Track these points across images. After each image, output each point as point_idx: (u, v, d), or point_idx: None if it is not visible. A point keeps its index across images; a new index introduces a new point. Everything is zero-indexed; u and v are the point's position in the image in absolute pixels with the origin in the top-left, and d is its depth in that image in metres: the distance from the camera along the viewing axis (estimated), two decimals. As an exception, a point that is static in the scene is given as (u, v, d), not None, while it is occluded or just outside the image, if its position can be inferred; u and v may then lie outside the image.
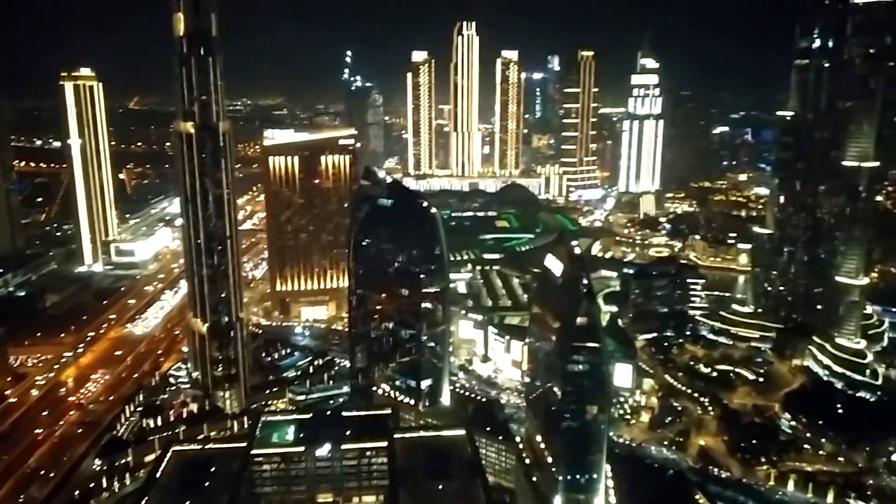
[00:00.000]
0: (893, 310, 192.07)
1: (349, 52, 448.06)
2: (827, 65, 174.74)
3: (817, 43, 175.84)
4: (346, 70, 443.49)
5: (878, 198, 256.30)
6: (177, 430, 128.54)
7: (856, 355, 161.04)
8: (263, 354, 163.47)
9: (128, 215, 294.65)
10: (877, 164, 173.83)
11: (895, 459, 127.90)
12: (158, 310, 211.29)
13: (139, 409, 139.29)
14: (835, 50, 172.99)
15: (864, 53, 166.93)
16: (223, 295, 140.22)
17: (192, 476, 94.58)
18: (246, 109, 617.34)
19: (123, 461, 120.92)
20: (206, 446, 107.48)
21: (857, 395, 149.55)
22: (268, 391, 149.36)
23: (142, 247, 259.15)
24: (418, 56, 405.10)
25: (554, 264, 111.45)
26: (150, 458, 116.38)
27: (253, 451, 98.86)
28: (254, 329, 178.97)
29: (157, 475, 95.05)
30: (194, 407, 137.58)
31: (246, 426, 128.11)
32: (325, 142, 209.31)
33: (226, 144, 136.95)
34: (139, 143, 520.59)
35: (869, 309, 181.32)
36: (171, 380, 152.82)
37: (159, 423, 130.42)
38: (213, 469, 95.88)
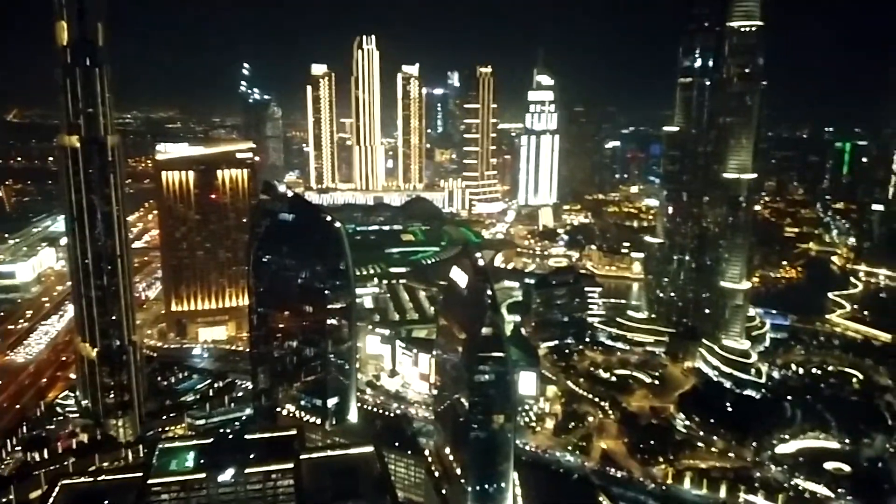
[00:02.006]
0: (774, 312, 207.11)
1: (246, 64, 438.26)
2: (707, 83, 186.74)
3: (698, 63, 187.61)
4: (244, 82, 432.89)
5: (757, 207, 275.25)
6: (65, 463, 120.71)
7: (741, 356, 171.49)
8: (159, 378, 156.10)
9: (7, 235, 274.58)
10: (754, 175, 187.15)
11: (779, 452, 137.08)
12: (43, 335, 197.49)
13: (22, 442, 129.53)
14: (714, 69, 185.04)
15: (740, 73, 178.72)
16: (114, 317, 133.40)
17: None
18: (136, 122, 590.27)
19: (4, 500, 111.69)
20: (99, 478, 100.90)
21: (744, 393, 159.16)
22: (164, 417, 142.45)
23: (23, 268, 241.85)
24: (318, 69, 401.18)
25: (459, 276, 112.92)
26: (35, 494, 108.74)
27: (150, 481, 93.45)
28: (148, 352, 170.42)
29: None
30: (84, 437, 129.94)
31: (142, 455, 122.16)
32: (222, 155, 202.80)
33: (115, 159, 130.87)
34: (19, 158, 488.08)
35: (752, 311, 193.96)
36: (58, 409, 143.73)
37: (45, 456, 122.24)
38: (106, 502, 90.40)
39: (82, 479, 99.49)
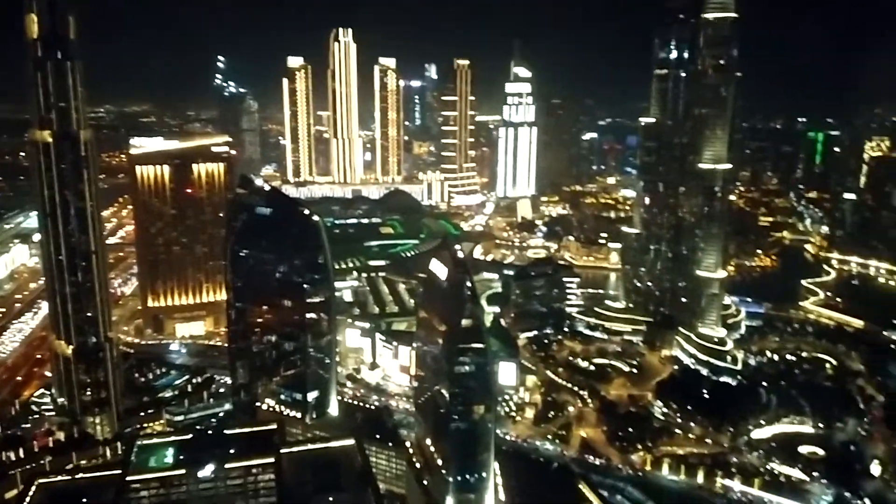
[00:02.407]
0: (749, 300, 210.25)
1: (221, 57, 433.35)
2: (683, 75, 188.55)
3: (674, 54, 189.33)
4: (219, 75, 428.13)
5: (732, 197, 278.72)
6: (42, 462, 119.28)
7: (717, 343, 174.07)
8: (136, 375, 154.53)
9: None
10: (729, 166, 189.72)
11: (754, 437, 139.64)
12: (16, 333, 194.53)
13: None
14: (689, 61, 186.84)
15: (715, 65, 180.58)
16: (89, 314, 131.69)
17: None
18: (110, 117, 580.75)
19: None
20: (76, 476, 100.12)
21: (720, 380, 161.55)
22: (142, 413, 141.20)
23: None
24: (294, 62, 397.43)
25: (439, 269, 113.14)
26: (11, 494, 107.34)
27: (129, 478, 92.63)
28: (125, 349, 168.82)
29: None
30: (61, 435, 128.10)
31: (120, 452, 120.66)
32: (198, 149, 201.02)
33: (88, 154, 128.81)
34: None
35: (727, 300, 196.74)
36: (34, 407, 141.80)
37: (21, 455, 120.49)
38: (84, 500, 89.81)
39: (59, 478, 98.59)
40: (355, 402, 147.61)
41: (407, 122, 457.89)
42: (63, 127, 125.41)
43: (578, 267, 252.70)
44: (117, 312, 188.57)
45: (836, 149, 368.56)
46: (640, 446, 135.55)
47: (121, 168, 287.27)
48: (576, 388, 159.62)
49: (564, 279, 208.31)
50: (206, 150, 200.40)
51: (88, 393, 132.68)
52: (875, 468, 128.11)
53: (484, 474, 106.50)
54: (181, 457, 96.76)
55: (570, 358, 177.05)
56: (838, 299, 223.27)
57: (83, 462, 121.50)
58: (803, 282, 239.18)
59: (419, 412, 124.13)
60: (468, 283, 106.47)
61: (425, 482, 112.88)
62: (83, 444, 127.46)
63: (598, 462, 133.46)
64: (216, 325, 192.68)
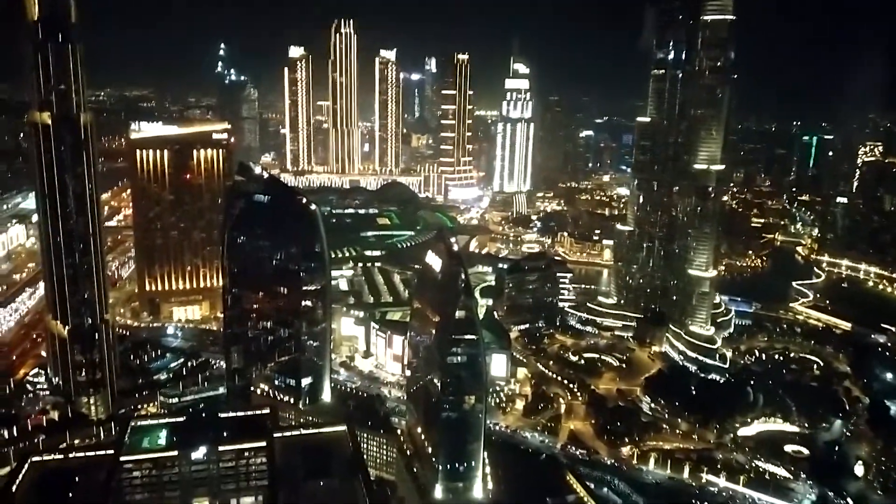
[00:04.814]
0: (739, 299, 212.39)
1: (223, 45, 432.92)
2: (680, 75, 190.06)
3: (671, 55, 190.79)
4: (220, 62, 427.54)
5: (725, 198, 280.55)
6: (35, 440, 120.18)
7: (707, 341, 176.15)
8: (132, 357, 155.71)
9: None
10: (723, 167, 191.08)
11: (740, 435, 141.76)
12: (13, 312, 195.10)
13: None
14: (687, 62, 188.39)
15: (712, 66, 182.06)
16: (86, 296, 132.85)
17: (53, 488, 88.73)
18: (110, 100, 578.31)
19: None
20: (69, 455, 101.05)
21: (708, 377, 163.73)
22: (137, 395, 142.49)
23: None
24: (295, 52, 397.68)
25: (434, 260, 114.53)
26: (4, 471, 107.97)
27: (122, 459, 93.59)
28: (121, 331, 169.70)
29: (13, 489, 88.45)
30: (55, 415, 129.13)
31: (113, 433, 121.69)
32: (197, 136, 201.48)
33: (87, 137, 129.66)
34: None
35: (717, 299, 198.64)
36: (29, 387, 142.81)
37: (15, 433, 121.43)
38: (77, 480, 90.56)
39: (52, 457, 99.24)
40: (348, 390, 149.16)
41: (406, 115, 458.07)
42: (63, 110, 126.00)
43: (571, 262, 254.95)
44: (114, 295, 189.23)
45: (830, 153, 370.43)
46: (627, 440, 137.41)
47: (120, 152, 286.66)
48: (566, 382, 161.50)
49: (557, 274, 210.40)
50: (205, 137, 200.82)
51: (83, 374, 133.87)
52: (859, 469, 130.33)
53: (473, 463, 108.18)
54: (174, 438, 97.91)
55: (561, 351, 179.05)
56: (827, 301, 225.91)
57: (76, 442, 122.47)
58: (793, 283, 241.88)
59: (411, 400, 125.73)
60: (462, 276, 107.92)
61: (415, 469, 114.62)
62: (77, 423, 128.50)
63: (586, 454, 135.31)
64: (212, 310, 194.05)
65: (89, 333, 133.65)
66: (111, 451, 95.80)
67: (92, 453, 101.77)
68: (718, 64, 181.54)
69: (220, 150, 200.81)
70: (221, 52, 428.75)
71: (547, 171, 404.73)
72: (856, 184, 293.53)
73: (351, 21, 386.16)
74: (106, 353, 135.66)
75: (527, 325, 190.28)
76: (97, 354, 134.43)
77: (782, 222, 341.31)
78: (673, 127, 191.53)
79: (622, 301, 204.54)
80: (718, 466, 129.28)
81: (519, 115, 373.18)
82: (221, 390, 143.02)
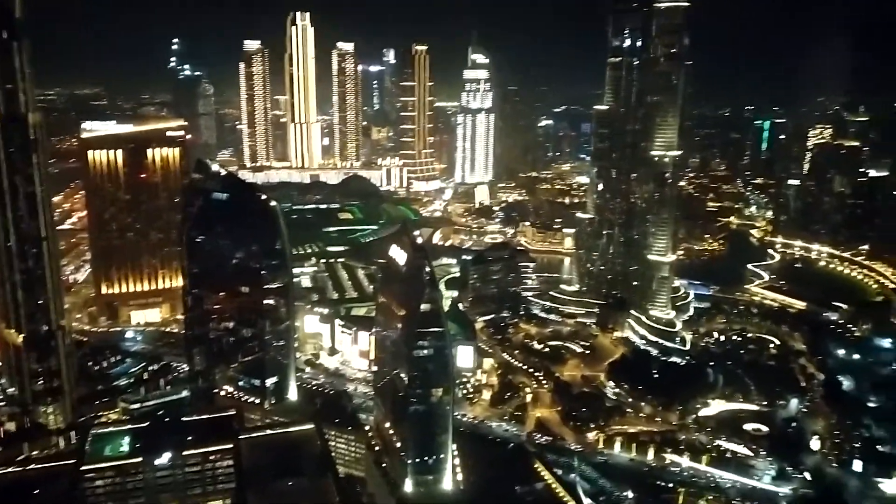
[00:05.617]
0: (697, 283, 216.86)
1: (176, 40, 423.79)
2: (636, 63, 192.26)
3: (627, 42, 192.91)
4: (174, 58, 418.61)
5: (682, 183, 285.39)
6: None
7: (667, 325, 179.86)
8: (91, 363, 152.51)
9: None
10: (680, 153, 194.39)
11: (702, 415, 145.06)
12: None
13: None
14: (642, 49, 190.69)
15: (666, 53, 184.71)
16: (40, 301, 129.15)
17: (12, 502, 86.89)
18: (60, 99, 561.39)
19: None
20: (28, 467, 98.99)
21: (670, 360, 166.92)
22: (97, 402, 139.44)
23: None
24: (251, 45, 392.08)
25: (398, 254, 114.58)
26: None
27: (83, 468, 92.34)
28: (78, 337, 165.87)
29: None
30: (11, 425, 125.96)
31: (74, 442, 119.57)
32: (152, 133, 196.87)
33: (37, 137, 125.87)
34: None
35: (677, 283, 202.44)
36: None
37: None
38: (37, 492, 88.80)
39: (10, 470, 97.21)
40: (314, 388, 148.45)
41: (365, 108, 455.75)
42: (10, 109, 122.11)
43: (534, 252, 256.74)
44: (70, 300, 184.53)
45: (782, 136, 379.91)
46: (592, 425, 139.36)
47: (72, 152, 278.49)
48: (531, 370, 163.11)
49: (520, 264, 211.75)
50: (160, 135, 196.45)
51: (40, 382, 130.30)
52: (815, 443, 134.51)
53: (442, 455, 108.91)
54: (137, 445, 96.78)
55: (526, 340, 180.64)
56: (782, 282, 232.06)
57: (35, 453, 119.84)
58: (749, 265, 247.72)
59: (378, 396, 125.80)
60: (427, 268, 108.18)
61: (384, 465, 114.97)
62: (35, 434, 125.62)
63: (552, 441, 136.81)
64: (172, 312, 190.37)
65: (45, 340, 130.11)
66: (72, 461, 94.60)
67: (52, 464, 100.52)
68: (673, 51, 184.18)
69: (176, 148, 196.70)
70: (175, 48, 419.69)
71: (508, 162, 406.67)
72: (807, 166, 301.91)
73: (307, 14, 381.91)
74: (63, 360, 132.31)
75: (492, 316, 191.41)
76: (54, 362, 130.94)
77: (737, 206, 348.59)
78: (630, 114, 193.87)
79: (584, 288, 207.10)
80: (682, 447, 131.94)
81: (479, 106, 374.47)
82: (185, 393, 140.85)
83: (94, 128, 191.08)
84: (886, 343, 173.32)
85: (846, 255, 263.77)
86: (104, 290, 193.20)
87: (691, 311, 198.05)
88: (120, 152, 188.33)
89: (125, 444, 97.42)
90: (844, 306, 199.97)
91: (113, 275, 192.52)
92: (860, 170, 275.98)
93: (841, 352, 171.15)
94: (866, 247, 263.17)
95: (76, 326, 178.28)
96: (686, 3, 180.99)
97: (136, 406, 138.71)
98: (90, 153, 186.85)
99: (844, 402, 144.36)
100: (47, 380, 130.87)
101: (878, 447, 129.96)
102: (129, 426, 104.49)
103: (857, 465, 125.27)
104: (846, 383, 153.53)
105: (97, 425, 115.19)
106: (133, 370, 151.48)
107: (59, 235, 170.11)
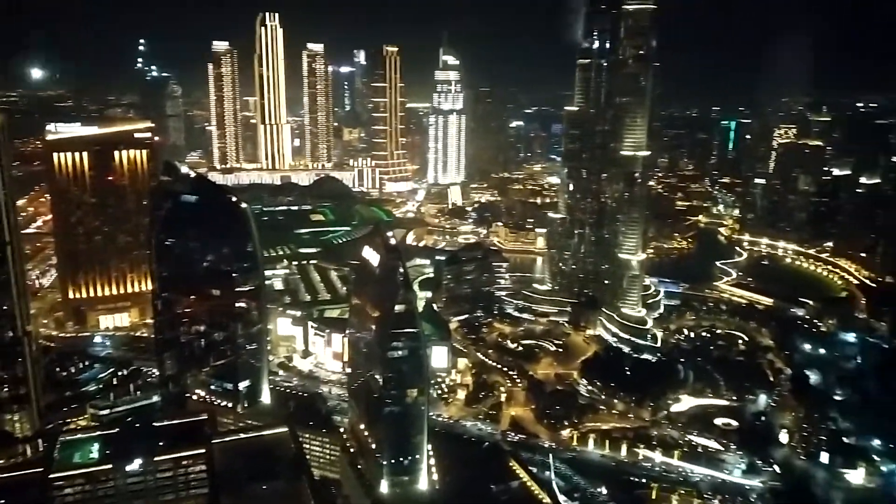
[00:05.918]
0: (667, 280, 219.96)
1: (143, 40, 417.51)
2: (605, 64, 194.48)
3: (596, 44, 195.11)
4: (140, 59, 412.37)
5: (651, 183, 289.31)
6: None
7: (638, 322, 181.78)
8: (58, 369, 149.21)
9: None
10: (649, 153, 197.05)
11: (674, 411, 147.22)
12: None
13: None
14: (611, 51, 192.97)
15: (635, 54, 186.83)
16: (5, 307, 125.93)
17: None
18: (23, 101, 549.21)
19: None
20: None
21: (641, 357, 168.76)
22: (65, 409, 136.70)
23: None
24: (219, 46, 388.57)
25: (371, 255, 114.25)
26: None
27: (52, 476, 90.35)
28: (45, 342, 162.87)
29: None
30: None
31: (41, 449, 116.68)
32: (119, 135, 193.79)
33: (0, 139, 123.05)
34: None
35: (647, 281, 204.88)
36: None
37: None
38: (3, 501, 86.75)
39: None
40: (288, 391, 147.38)
41: (336, 109, 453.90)
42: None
43: (507, 251, 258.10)
44: (36, 305, 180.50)
45: (748, 136, 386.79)
46: (566, 423, 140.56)
47: (36, 155, 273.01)
48: (505, 369, 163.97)
49: (493, 264, 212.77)
50: (127, 136, 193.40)
51: (6, 389, 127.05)
52: (783, 436, 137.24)
53: (417, 456, 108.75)
54: (107, 451, 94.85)
55: (500, 340, 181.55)
56: (749, 279, 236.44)
57: (1, 462, 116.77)
58: (717, 263, 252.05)
59: (353, 398, 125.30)
60: (401, 269, 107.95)
61: (359, 466, 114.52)
62: (1, 442, 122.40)
63: (527, 439, 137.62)
64: (142, 316, 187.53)
65: (10, 347, 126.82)
66: (40, 469, 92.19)
67: (19, 472, 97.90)
68: (641, 52, 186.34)
69: (144, 150, 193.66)
70: (142, 48, 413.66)
71: (480, 162, 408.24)
72: (772, 165, 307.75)
73: (277, 14, 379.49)
74: (30, 367, 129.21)
75: (466, 316, 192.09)
76: (20, 368, 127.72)
77: (705, 204, 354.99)
78: (600, 115, 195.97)
79: (556, 287, 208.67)
80: (654, 443, 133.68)
81: (450, 107, 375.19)
82: (155, 398, 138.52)
83: (59, 130, 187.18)
84: (851, 338, 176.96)
85: (811, 251, 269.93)
86: (71, 294, 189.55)
87: (662, 309, 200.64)
88: (86, 154, 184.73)
89: (95, 451, 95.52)
90: (810, 302, 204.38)
91: (80, 279, 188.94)
92: (824, 169, 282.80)
93: (807, 347, 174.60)
94: (830, 244, 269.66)
95: (43, 332, 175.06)
96: (653, 6, 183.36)
97: (106, 412, 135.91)
98: (55, 155, 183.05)
99: (811, 396, 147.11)
100: (13, 387, 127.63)
101: (844, 439, 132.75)
102: (99, 432, 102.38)
103: (824, 457, 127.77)
104: (813, 377, 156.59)
105: (66, 432, 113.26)
106: (102, 375, 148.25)
107: (24, 239, 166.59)
